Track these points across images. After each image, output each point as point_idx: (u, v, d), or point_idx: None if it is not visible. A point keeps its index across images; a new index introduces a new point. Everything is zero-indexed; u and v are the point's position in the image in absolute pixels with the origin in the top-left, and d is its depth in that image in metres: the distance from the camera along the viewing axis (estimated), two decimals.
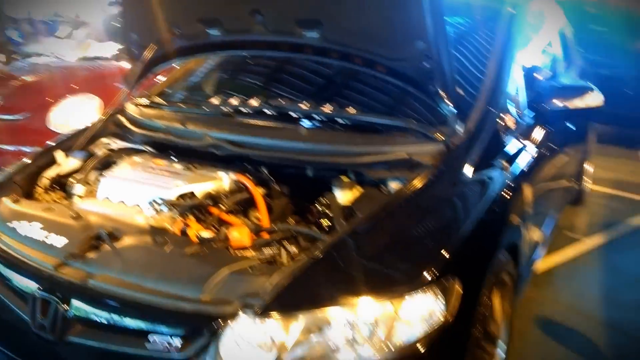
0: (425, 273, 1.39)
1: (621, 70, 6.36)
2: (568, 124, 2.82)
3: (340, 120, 1.99)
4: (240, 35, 2.12)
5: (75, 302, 1.45)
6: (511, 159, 2.02)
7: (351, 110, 2.00)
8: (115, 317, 1.41)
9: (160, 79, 2.81)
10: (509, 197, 1.90)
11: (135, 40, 2.34)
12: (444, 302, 1.39)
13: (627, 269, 3.32)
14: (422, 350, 1.32)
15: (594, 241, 3.71)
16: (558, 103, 2.18)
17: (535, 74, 2.53)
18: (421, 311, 1.36)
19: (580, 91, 2.23)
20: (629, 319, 2.73)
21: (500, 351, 2.00)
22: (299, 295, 1.33)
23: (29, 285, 1.54)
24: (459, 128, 1.85)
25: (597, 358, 2.44)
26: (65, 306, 1.45)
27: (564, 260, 3.40)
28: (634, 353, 2.47)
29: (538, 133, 2.24)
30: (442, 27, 1.71)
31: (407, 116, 1.96)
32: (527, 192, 2.19)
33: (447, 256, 1.46)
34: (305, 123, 2.00)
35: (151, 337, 1.35)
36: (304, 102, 2.12)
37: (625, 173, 5.30)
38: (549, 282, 3.10)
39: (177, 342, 1.33)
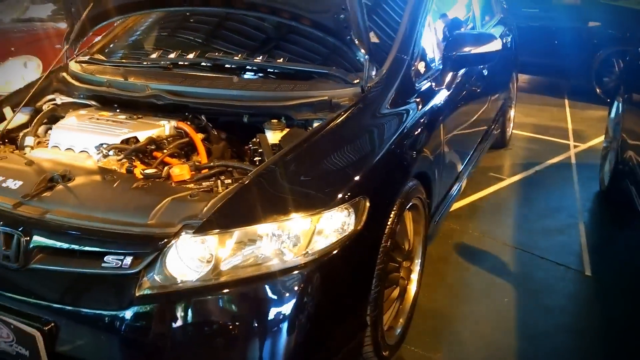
0: (339, 193, 1.65)
1: (550, 22, 6.75)
2: (482, 68, 3.14)
3: (270, 70, 2.20)
4: None
5: (35, 234, 1.63)
6: (423, 98, 2.29)
7: (279, 60, 2.21)
8: (73, 244, 1.60)
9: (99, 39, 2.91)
10: (421, 131, 2.18)
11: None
12: (354, 217, 1.66)
13: (538, 201, 3.72)
14: (336, 254, 1.59)
15: (512, 179, 4.10)
16: (465, 50, 2.45)
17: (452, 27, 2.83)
18: (335, 224, 1.62)
19: (484, 39, 2.50)
20: (535, 242, 3.12)
21: (417, 266, 2.32)
22: (232, 215, 1.57)
23: None
24: (373, 73, 2.09)
25: (505, 275, 2.81)
26: (26, 238, 1.63)
27: (485, 195, 3.77)
28: (536, 270, 2.86)
29: (448, 76, 2.51)
30: None
31: (329, 64, 2.19)
32: (444, 131, 2.49)
33: (359, 179, 1.73)
34: (239, 73, 2.20)
35: (106, 258, 1.56)
36: (238, 54, 2.31)
37: (547, 119, 5.74)
38: (470, 216, 3.46)
39: (128, 260, 1.54)
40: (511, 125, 4.90)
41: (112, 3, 2.39)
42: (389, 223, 1.85)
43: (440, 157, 2.44)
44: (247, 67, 2.23)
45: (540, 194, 3.85)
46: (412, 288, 2.32)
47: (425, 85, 2.34)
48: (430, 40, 2.55)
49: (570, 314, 2.51)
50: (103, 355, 1.55)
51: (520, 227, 3.32)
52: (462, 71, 2.74)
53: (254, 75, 2.21)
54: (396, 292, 2.14)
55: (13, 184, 1.77)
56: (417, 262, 2.34)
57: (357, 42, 2.01)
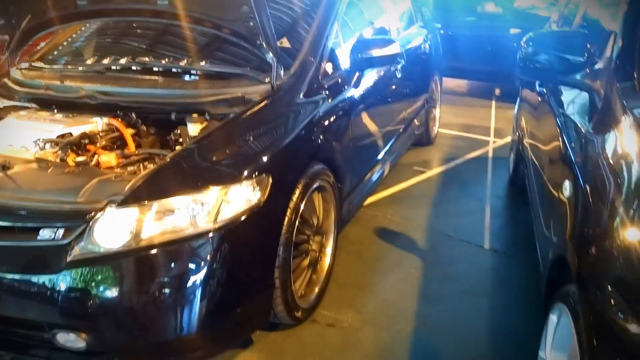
0: (245, 170, 1.94)
1: (480, 30, 7.23)
2: (393, 70, 3.50)
3: (191, 71, 2.49)
4: (104, 4, 2.53)
5: None
6: (330, 94, 2.61)
7: (202, 63, 2.50)
8: (12, 222, 1.84)
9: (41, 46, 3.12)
10: (327, 122, 2.50)
11: (13, 12, 2.68)
12: (259, 191, 1.95)
13: (453, 189, 4.10)
14: (242, 222, 1.88)
15: (434, 172, 4.49)
16: (368, 52, 2.80)
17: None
18: (242, 197, 1.91)
19: (384, 43, 2.86)
20: (445, 224, 3.49)
21: (330, 241, 2.63)
22: (151, 190, 1.83)
23: None
24: (281, 72, 2.40)
25: (414, 251, 3.16)
26: None
27: (407, 187, 4.14)
28: (443, 247, 3.22)
29: (355, 76, 2.85)
30: None
31: (243, 66, 2.49)
32: (353, 124, 2.82)
33: (264, 159, 2.03)
34: (164, 75, 2.48)
35: (41, 232, 1.80)
36: (164, 58, 2.59)
37: (473, 118, 6.19)
38: (390, 204, 3.80)
39: (60, 232, 1.79)
40: (437, 124, 5.30)
41: (48, 15, 2.63)
42: (293, 199, 2.16)
43: (349, 147, 2.77)
44: (172, 69, 2.51)
45: (456, 183, 4.24)
46: (326, 260, 2.63)
47: (331, 83, 2.66)
48: (340, 45, 2.88)
49: (468, 280, 2.86)
50: (41, 314, 1.79)
51: (435, 212, 3.68)
52: (371, 72, 3.09)
53: (177, 76, 2.48)
54: (306, 262, 2.44)
55: None
56: (330, 238, 2.65)
57: (265, 45, 2.31)
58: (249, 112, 2.21)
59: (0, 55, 2.88)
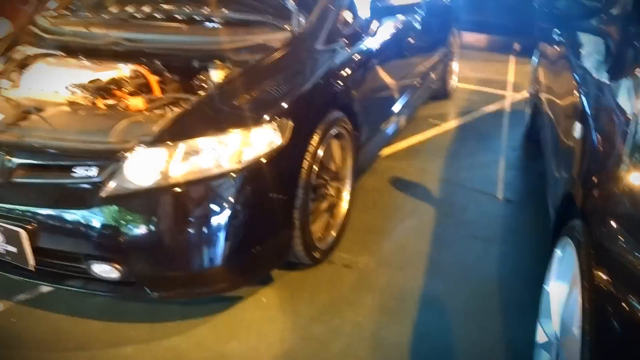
0: (266, 114, 2.03)
1: None
2: (412, 22, 3.51)
3: (214, 19, 2.54)
4: None
5: (15, 154, 1.97)
6: (349, 43, 2.65)
7: (223, 10, 2.55)
8: (47, 161, 1.95)
9: None
10: (346, 70, 2.55)
11: None
12: (279, 134, 2.04)
13: (469, 142, 4.15)
14: (263, 162, 1.98)
15: (450, 125, 4.53)
16: (389, 2, 2.82)
17: None
18: (263, 139, 2.00)
19: None
20: (460, 175, 3.56)
21: (347, 187, 2.73)
22: (179, 131, 1.93)
23: None
24: (302, 20, 2.44)
25: (429, 200, 3.24)
26: (7, 157, 1.97)
27: (423, 139, 4.19)
28: (456, 196, 3.30)
29: (375, 25, 2.87)
30: None
31: (264, 14, 2.54)
32: (370, 73, 2.87)
33: (285, 104, 2.11)
34: (188, 22, 2.54)
35: (75, 169, 1.92)
36: (187, 6, 2.64)
37: (491, 72, 6.16)
38: (407, 156, 3.87)
39: (94, 170, 1.91)
40: (453, 77, 5.30)
41: None
42: (312, 143, 2.24)
43: (366, 96, 2.82)
44: (195, 17, 2.56)
45: (472, 136, 4.28)
46: (343, 205, 2.73)
47: (350, 31, 2.70)
48: None
49: (480, 227, 2.95)
50: (77, 246, 1.92)
51: (450, 164, 3.75)
52: (390, 23, 3.11)
53: (200, 24, 2.54)
54: (324, 205, 2.54)
55: None
56: (347, 184, 2.74)
57: None
58: (269, 59, 2.28)
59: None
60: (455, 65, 5.27)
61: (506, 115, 4.78)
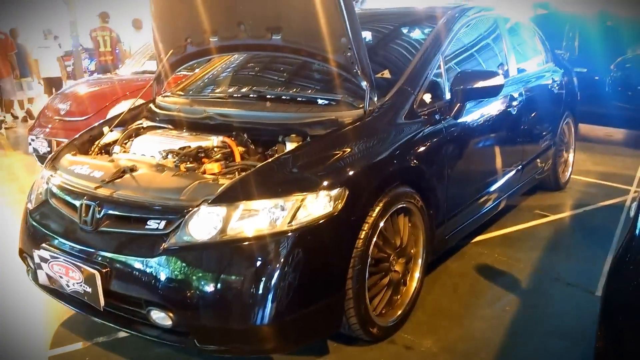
0: (323, 182, 2.13)
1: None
2: (507, 106, 3.48)
3: (297, 98, 2.77)
4: (231, 41, 2.94)
5: (105, 207, 2.26)
6: (424, 123, 2.71)
7: (308, 91, 2.78)
8: (128, 213, 2.22)
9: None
10: (416, 149, 2.60)
11: (161, 49, 3.22)
12: (334, 202, 2.11)
13: (576, 234, 3.86)
14: (315, 227, 2.05)
15: (558, 216, 4.25)
16: (470, 84, 2.85)
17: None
18: (317, 205, 2.09)
19: (486, 75, 2.89)
20: (556, 266, 3.30)
21: (418, 267, 2.68)
22: (239, 192, 2.10)
23: (78, 199, 2.37)
24: (375, 99, 2.57)
25: (514, 290, 3.04)
26: (99, 209, 2.26)
27: (524, 228, 3.98)
28: (546, 287, 3.05)
29: (456, 107, 2.91)
30: (357, 28, 2.46)
31: (341, 93, 2.71)
32: (449, 155, 2.88)
33: (342, 173, 2.20)
34: (272, 100, 2.80)
35: (148, 222, 2.15)
36: (275, 87, 2.92)
37: (617, 167, 5.73)
38: (501, 244, 3.68)
39: (163, 224, 2.12)
40: (569, 169, 5.03)
41: (187, 51, 3.12)
42: (372, 214, 2.28)
43: (444, 175, 2.81)
44: (280, 96, 2.82)
45: (580, 230, 3.98)
46: (413, 285, 2.68)
47: (428, 112, 2.76)
48: (442, 78, 2.98)
49: (567, 325, 2.68)
50: (138, 291, 2.11)
51: (548, 256, 3.50)
52: (477, 105, 3.12)
53: (282, 102, 2.78)
54: (386, 280, 2.50)
55: (97, 173, 2.45)
56: (419, 263, 2.70)
57: (360, 73, 2.51)
58: (338, 132, 2.41)
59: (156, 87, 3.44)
60: (570, 156, 5.01)
61: (625, 210, 4.38)
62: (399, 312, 2.58)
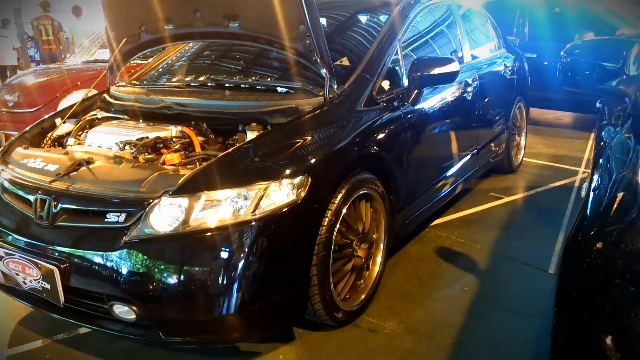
0: (286, 170, 2.13)
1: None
2: (462, 92, 3.55)
3: (256, 87, 2.75)
4: (187, 28, 2.89)
5: (61, 201, 2.20)
6: (383, 110, 2.74)
7: (263, 78, 2.76)
8: (86, 207, 2.16)
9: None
10: (376, 135, 2.62)
11: (114, 37, 3.13)
12: (297, 190, 2.12)
13: (528, 215, 4.00)
14: (278, 215, 2.06)
15: (512, 198, 4.39)
16: (426, 71, 2.90)
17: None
18: (280, 193, 2.09)
19: (442, 62, 2.95)
20: (511, 247, 3.42)
21: (380, 251, 2.72)
22: (201, 183, 2.07)
23: (33, 193, 2.29)
24: (335, 87, 2.58)
25: (472, 270, 3.13)
26: (55, 203, 2.20)
27: (479, 210, 4.09)
28: (502, 267, 3.16)
29: (413, 94, 2.95)
30: (316, 16, 2.46)
31: (299, 81, 2.70)
32: (408, 140, 2.92)
33: (304, 161, 2.21)
34: (231, 89, 2.77)
35: (108, 215, 2.10)
36: (233, 75, 2.89)
37: (567, 149, 5.95)
38: (458, 226, 3.77)
39: (123, 216, 2.08)
40: (521, 152, 5.18)
41: (140, 40, 3.04)
42: (334, 201, 2.30)
43: (402, 161, 2.85)
44: (239, 85, 2.79)
45: (533, 210, 4.12)
46: (375, 269, 2.72)
47: (386, 98, 2.79)
48: (400, 65, 3.01)
49: (523, 301, 2.78)
50: (100, 286, 2.07)
51: (503, 236, 3.62)
52: (433, 91, 3.17)
53: (241, 90, 2.75)
54: (349, 266, 2.54)
55: (52, 166, 2.37)
56: (380, 248, 2.74)
57: (319, 61, 2.51)
58: (298, 121, 2.41)
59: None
60: (522, 140, 5.17)
61: (574, 190, 4.56)
62: (363, 297, 2.62)
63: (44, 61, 9.20)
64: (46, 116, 3.04)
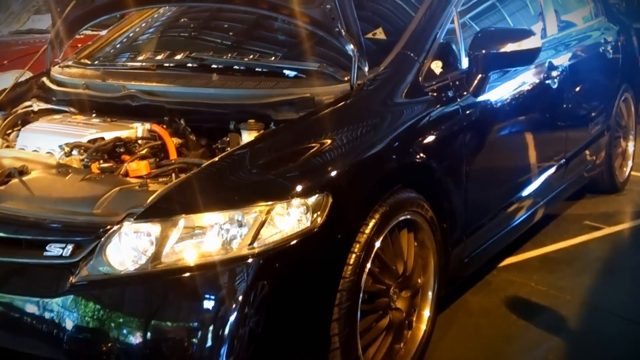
0: (297, 186, 2.14)
1: None
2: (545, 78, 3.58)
3: (255, 68, 2.79)
4: None
5: None
6: (433, 102, 2.76)
7: (264, 57, 2.80)
8: (18, 234, 2.19)
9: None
10: (423, 138, 2.65)
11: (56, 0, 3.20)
12: (312, 213, 2.14)
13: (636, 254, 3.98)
14: (286, 250, 2.06)
15: (615, 229, 4.37)
16: (495, 48, 2.92)
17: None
18: (289, 218, 2.11)
19: (521, 35, 2.97)
20: (620, 299, 3.41)
21: (428, 302, 2.73)
22: (179, 203, 2.10)
23: None
24: (366, 69, 2.60)
25: (559, 330, 3.12)
26: None
27: (568, 246, 4.08)
28: (606, 328, 3.14)
29: (476, 80, 2.97)
30: None
31: (317, 61, 2.73)
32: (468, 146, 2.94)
33: (323, 174, 2.23)
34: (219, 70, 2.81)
35: (48, 247, 2.13)
36: (221, 53, 2.93)
37: None
38: (538, 268, 3.78)
39: (69, 248, 2.10)
40: (628, 164, 5.17)
41: (97, 2, 3.10)
42: (365, 231, 2.31)
43: (461, 175, 2.87)
44: (231, 66, 2.83)
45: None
46: (421, 328, 2.72)
47: (438, 86, 2.81)
48: (457, 41, 3.03)
49: None
50: (38, 346, 2.09)
51: (603, 284, 3.62)
52: (503, 76, 3.19)
53: (234, 74, 2.79)
54: (385, 322, 2.54)
55: None
56: (428, 297, 2.74)
57: (344, 33, 2.54)
58: (315, 117, 2.44)
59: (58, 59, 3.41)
60: (630, 146, 5.16)
61: None
62: None
63: None
64: None
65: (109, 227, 2.09)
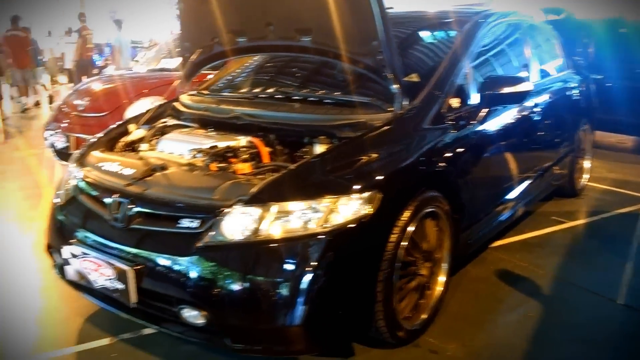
0: (356, 185, 2.13)
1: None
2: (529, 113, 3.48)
3: (325, 100, 2.78)
4: (259, 41, 2.95)
5: (137, 204, 2.27)
6: (452, 128, 2.71)
7: (330, 91, 2.78)
8: (160, 211, 2.22)
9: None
10: (445, 153, 2.60)
11: (187, 48, 3.23)
12: (366, 205, 2.11)
13: (593, 241, 3.87)
14: (347, 230, 2.05)
15: (575, 223, 4.24)
16: (498, 89, 2.85)
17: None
18: (350, 208, 2.09)
19: (515, 81, 2.90)
20: (580, 274, 3.30)
21: (443, 270, 2.68)
22: (273, 194, 2.10)
23: (109, 196, 2.37)
24: (405, 102, 2.57)
25: (536, 296, 3.03)
26: (130, 206, 2.27)
27: (541, 234, 3.97)
28: (568, 295, 3.05)
29: (483, 112, 2.91)
30: (389, 32, 2.46)
31: (370, 96, 2.71)
32: (474, 159, 2.88)
33: (375, 177, 2.20)
34: (300, 102, 2.81)
35: (180, 221, 2.15)
36: (302, 89, 2.92)
37: (632, 175, 5.72)
38: (520, 249, 3.67)
39: (196, 222, 2.12)
40: (584, 176, 5.01)
41: (214, 51, 3.12)
42: (402, 218, 2.28)
43: (469, 180, 2.81)
44: (308, 98, 2.82)
45: (597, 237, 3.97)
46: (437, 289, 2.67)
47: (456, 116, 2.75)
48: (470, 83, 2.97)
49: (590, 331, 2.67)
50: (172, 289, 2.11)
51: (567, 262, 3.49)
52: (502, 111, 3.12)
53: (310, 103, 2.78)
54: (413, 284, 2.50)
55: (127, 170, 2.45)
56: (443, 267, 2.70)
57: (390, 77, 2.51)
58: (368, 135, 2.41)
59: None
60: (586, 163, 5.00)
61: None
62: (424, 316, 2.58)
63: (81, 68, 11.08)
64: (120, 122, 3.16)
65: (224, 208, 2.10)
